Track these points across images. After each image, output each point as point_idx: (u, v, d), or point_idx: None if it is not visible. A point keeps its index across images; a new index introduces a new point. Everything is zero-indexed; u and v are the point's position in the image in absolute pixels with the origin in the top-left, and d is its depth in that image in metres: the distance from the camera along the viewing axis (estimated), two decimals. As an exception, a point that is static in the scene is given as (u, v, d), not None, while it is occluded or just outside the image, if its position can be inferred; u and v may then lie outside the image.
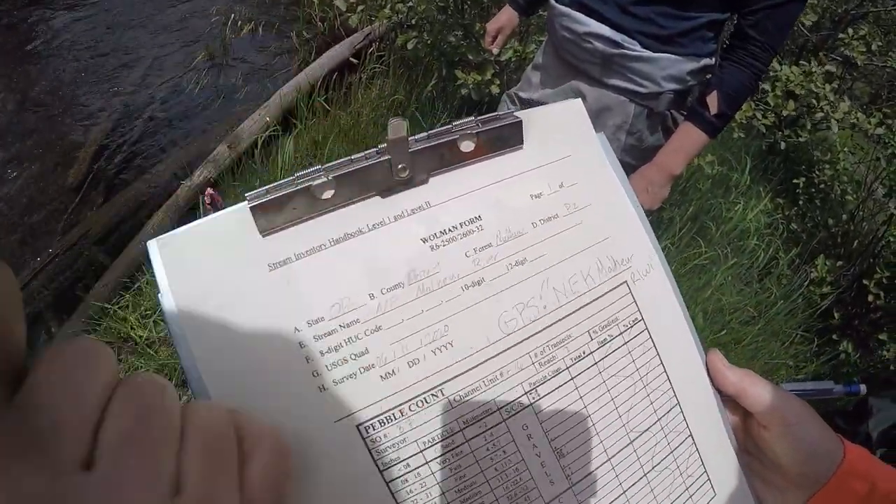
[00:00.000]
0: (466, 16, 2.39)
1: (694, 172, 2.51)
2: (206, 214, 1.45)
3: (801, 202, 2.81)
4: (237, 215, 0.29)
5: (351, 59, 3.30)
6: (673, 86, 1.29)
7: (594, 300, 0.35)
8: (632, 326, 0.36)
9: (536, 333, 0.33)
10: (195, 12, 3.96)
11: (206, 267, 0.29)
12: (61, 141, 2.84)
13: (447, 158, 0.33)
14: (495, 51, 1.68)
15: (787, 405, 0.37)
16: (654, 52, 1.26)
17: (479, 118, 0.34)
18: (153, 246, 0.28)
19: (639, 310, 0.36)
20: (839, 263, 2.54)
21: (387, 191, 0.31)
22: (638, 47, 1.26)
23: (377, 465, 0.29)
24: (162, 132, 2.98)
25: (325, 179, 0.29)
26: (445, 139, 0.32)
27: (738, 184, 2.69)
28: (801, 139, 2.52)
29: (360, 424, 0.29)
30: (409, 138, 0.31)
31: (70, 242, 2.33)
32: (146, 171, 2.72)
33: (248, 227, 0.29)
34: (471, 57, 2.33)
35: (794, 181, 2.82)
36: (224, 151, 2.63)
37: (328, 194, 0.30)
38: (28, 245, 2.35)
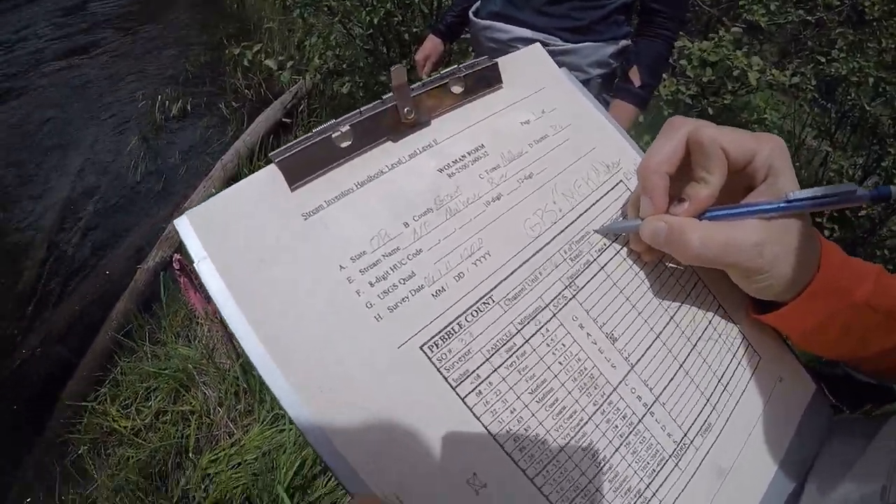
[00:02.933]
0: (391, 54, 2.47)
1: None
2: (176, 283, 1.45)
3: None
4: (264, 175, 0.31)
5: (283, 119, 3.36)
6: (599, 70, 1.37)
7: (600, 199, 0.39)
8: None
9: (561, 233, 0.36)
10: (121, 100, 3.96)
11: (241, 228, 0.29)
12: (4, 245, 2.78)
13: (443, 101, 0.37)
14: (425, 78, 1.73)
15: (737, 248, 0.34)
16: (574, 43, 1.34)
17: (462, 65, 0.38)
18: (183, 221, 0.29)
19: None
20: None
21: (397, 134, 0.35)
22: (560, 42, 1.34)
23: (448, 383, 0.30)
24: (109, 221, 2.94)
25: (342, 130, 0.32)
26: (439, 83, 0.37)
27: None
28: (726, 101, 2.65)
29: (424, 345, 0.30)
30: (408, 86, 0.34)
31: (33, 347, 2.28)
32: (99, 262, 2.69)
33: (277, 185, 0.31)
34: (404, 92, 2.41)
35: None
36: (175, 229, 2.61)
37: (346, 143, 0.32)
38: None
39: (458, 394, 0.30)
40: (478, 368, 0.31)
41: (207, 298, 1.47)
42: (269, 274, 0.29)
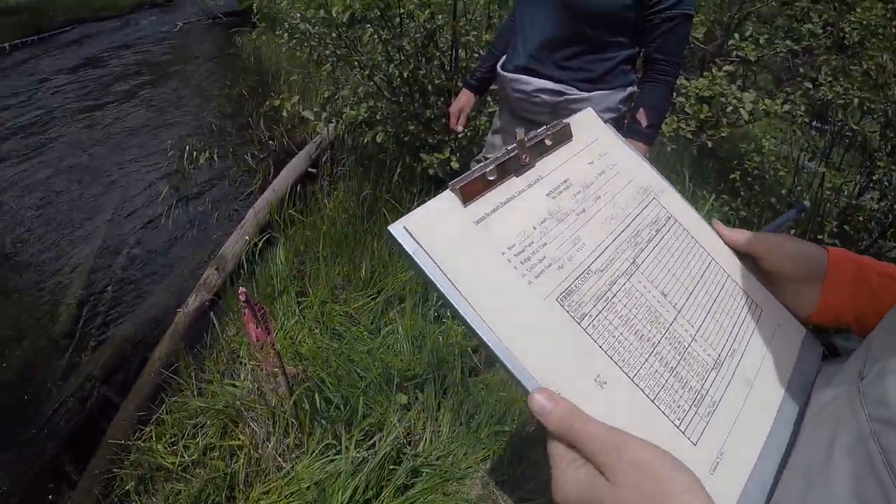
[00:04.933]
0: (415, 105, 2.66)
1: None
2: (243, 313, 1.57)
3: (742, 192, 3.12)
4: (447, 196, 0.47)
5: (309, 169, 3.56)
6: (610, 115, 1.56)
7: (643, 210, 0.58)
8: (668, 220, 0.60)
9: (625, 229, 0.55)
10: (147, 150, 4.18)
11: (438, 229, 0.45)
12: (40, 288, 2.90)
13: (542, 150, 0.55)
14: (459, 129, 1.93)
15: (769, 238, 0.60)
16: (588, 92, 1.53)
17: (548, 126, 0.57)
18: (398, 226, 0.44)
19: (669, 212, 0.60)
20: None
21: (518, 171, 0.52)
22: (576, 91, 1.53)
23: (574, 319, 0.47)
24: (144, 267, 3.09)
25: (490, 168, 0.49)
26: (539, 138, 0.55)
27: (682, 192, 2.94)
28: (723, 134, 2.87)
29: (557, 297, 0.47)
30: (525, 140, 0.52)
31: (74, 387, 2.37)
32: (137, 307, 2.82)
33: (455, 203, 0.47)
34: (430, 140, 2.58)
35: (731, 177, 3.13)
36: (213, 274, 2.75)
37: (492, 176, 0.49)
38: (31, 398, 2.36)
39: (581, 326, 0.46)
40: (590, 311, 0.48)
41: (266, 330, 1.59)
42: (461, 257, 0.45)
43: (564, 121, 0.59)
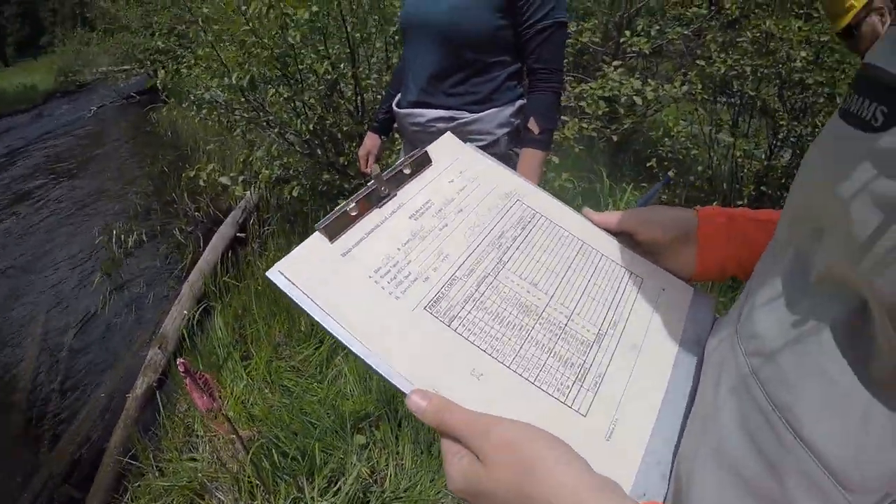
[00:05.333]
0: (328, 155, 2.73)
1: (560, 195, 2.88)
2: (185, 383, 1.59)
3: (661, 177, 3.22)
4: (315, 237, 0.53)
5: (238, 234, 3.57)
6: (504, 130, 1.65)
7: (507, 212, 0.63)
8: (534, 217, 0.64)
9: (486, 236, 0.60)
10: (74, 241, 4.11)
11: (309, 266, 0.51)
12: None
13: (402, 179, 0.61)
14: (369, 171, 1.98)
15: (639, 212, 0.64)
16: (479, 113, 1.63)
17: (406, 156, 0.62)
18: (274, 271, 0.50)
19: (534, 210, 0.65)
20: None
21: (379, 204, 0.58)
22: (467, 114, 1.63)
23: (444, 323, 0.50)
24: (87, 359, 3.03)
25: (351, 206, 0.55)
26: (397, 170, 0.61)
27: (603, 190, 3.12)
28: (625, 126, 2.98)
29: (426, 307, 0.51)
30: (382, 174, 0.57)
31: (37, 490, 2.31)
32: (86, 400, 2.77)
33: (323, 242, 0.53)
34: (346, 186, 2.65)
35: (648, 165, 3.28)
36: (156, 354, 2.73)
37: (355, 213, 0.55)
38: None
39: (451, 327, 0.50)
40: (459, 313, 0.51)
41: (212, 397, 1.61)
42: (332, 287, 0.50)
43: (423, 149, 0.64)
